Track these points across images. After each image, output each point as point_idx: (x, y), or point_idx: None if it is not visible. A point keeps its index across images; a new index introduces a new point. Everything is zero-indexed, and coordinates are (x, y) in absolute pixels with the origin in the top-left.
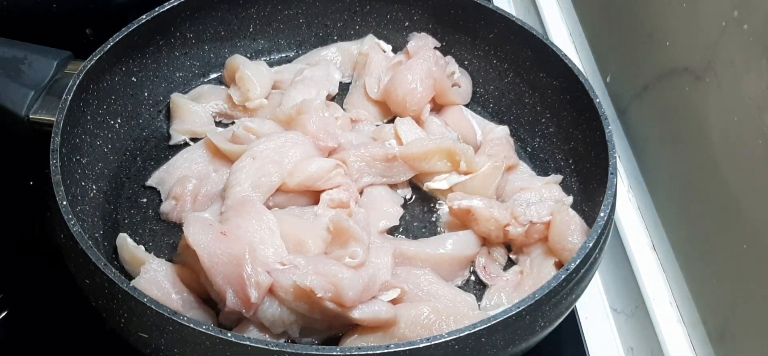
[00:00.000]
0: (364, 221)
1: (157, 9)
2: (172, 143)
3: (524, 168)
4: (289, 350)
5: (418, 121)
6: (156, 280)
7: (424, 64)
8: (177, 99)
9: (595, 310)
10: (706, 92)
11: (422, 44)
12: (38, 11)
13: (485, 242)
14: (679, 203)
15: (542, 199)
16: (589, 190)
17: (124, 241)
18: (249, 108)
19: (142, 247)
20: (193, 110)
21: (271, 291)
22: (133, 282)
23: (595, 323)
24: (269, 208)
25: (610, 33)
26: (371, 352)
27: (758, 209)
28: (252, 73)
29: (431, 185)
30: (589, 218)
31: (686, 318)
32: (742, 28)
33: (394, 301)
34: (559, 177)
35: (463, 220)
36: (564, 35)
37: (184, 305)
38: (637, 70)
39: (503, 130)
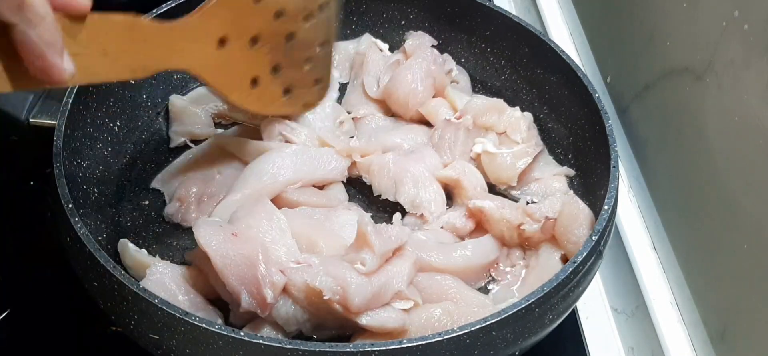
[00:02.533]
0: (392, 231)
1: (154, 10)
2: (172, 145)
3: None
4: (302, 348)
5: (420, 118)
6: (162, 282)
7: (423, 64)
8: (176, 101)
9: (595, 310)
10: (706, 91)
11: (419, 43)
12: None
13: (503, 244)
14: (679, 203)
15: (551, 192)
16: (590, 184)
17: (126, 247)
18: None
19: (144, 250)
20: (193, 112)
21: (284, 290)
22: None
23: (595, 323)
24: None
25: (611, 33)
26: (384, 348)
27: (759, 209)
28: None
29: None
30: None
31: (686, 318)
32: (742, 28)
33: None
34: (572, 171)
35: (479, 221)
36: (564, 35)
37: (191, 306)
38: (637, 70)
39: (528, 115)
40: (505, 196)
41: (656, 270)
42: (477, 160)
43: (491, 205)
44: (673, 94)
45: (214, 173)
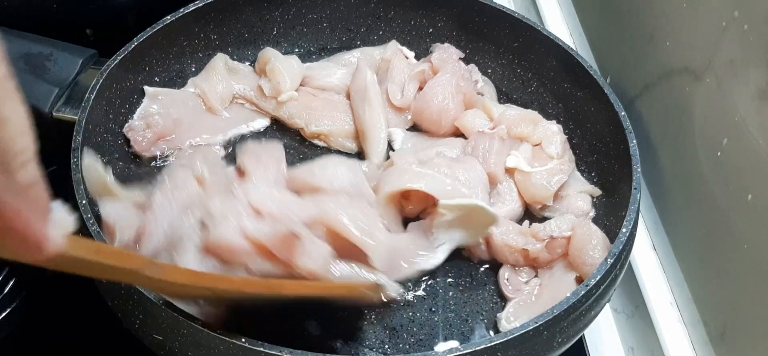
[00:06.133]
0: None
1: (181, 10)
2: None
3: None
4: None
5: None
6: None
7: (452, 79)
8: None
9: None
10: (706, 91)
11: (446, 57)
12: (38, 11)
13: (513, 265)
14: (679, 202)
15: (574, 210)
16: (612, 204)
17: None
18: (281, 101)
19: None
20: None
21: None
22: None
23: (595, 323)
24: None
25: (611, 33)
26: None
27: (759, 208)
28: (282, 67)
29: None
30: (610, 232)
31: (686, 318)
32: (742, 28)
33: None
34: (598, 190)
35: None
36: (564, 36)
37: None
38: (637, 70)
39: (558, 127)
40: (535, 215)
41: (656, 269)
42: (510, 173)
43: (495, 231)
44: (672, 94)
45: None
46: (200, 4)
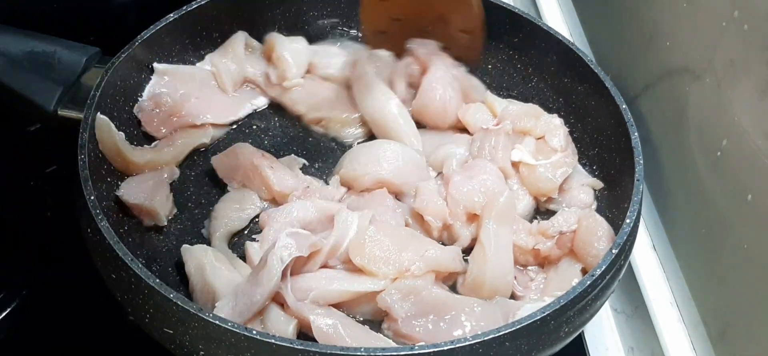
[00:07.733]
0: None
1: (184, 8)
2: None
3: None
4: (312, 349)
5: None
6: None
7: (447, 71)
8: None
9: None
10: (706, 91)
11: (431, 50)
12: (37, 10)
13: (521, 264)
14: (679, 202)
15: (577, 203)
16: (614, 196)
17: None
18: (286, 88)
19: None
20: None
21: None
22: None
23: (595, 323)
24: None
25: (611, 33)
26: (394, 353)
27: (759, 208)
28: (289, 55)
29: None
30: (613, 224)
31: (686, 318)
32: (742, 28)
33: None
34: (600, 183)
35: None
36: (565, 35)
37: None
38: (637, 70)
39: (560, 120)
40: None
41: (656, 269)
42: (516, 167)
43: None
44: (672, 94)
45: None
46: (202, 3)
